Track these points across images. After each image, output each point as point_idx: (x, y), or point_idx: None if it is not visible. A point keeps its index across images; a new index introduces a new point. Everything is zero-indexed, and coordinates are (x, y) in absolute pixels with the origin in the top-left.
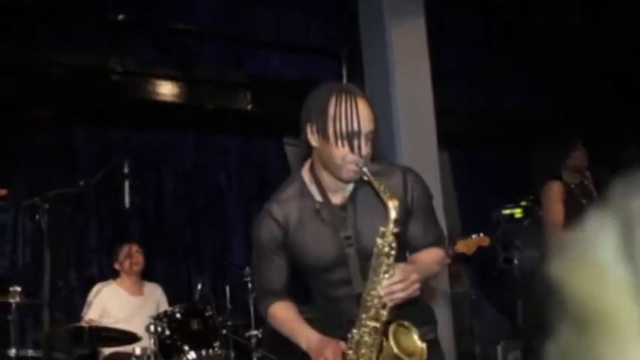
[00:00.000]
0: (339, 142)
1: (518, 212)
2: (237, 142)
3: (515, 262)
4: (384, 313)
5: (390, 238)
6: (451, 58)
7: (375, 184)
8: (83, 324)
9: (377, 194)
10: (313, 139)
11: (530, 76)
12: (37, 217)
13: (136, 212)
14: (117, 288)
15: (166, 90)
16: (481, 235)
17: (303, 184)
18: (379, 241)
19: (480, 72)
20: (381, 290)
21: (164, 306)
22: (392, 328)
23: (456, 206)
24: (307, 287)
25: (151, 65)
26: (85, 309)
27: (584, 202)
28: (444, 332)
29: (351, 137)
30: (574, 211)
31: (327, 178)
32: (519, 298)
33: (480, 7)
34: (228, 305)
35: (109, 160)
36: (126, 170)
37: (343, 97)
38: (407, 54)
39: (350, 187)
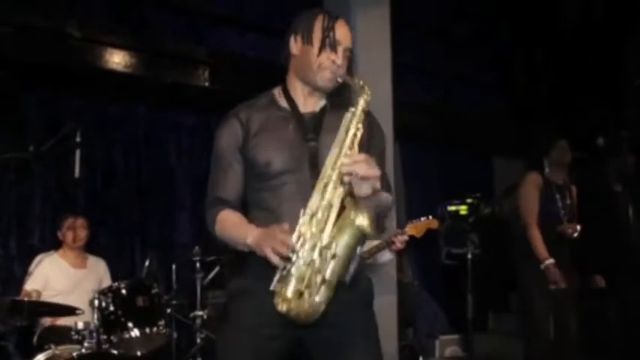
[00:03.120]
0: (321, 46)
1: (463, 209)
2: (192, 119)
3: (469, 256)
4: (341, 187)
5: (357, 120)
6: (409, 51)
7: (353, 82)
8: (23, 297)
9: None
10: (295, 47)
11: (487, 75)
12: None
13: (83, 183)
14: (59, 259)
15: (123, 60)
16: (430, 217)
17: (272, 95)
18: (348, 116)
19: (437, 67)
20: (343, 160)
21: (107, 281)
22: (346, 201)
23: (404, 199)
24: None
25: (109, 33)
26: (26, 279)
27: (557, 197)
28: (389, 322)
29: (332, 44)
30: (547, 207)
31: (299, 87)
32: (471, 292)
33: (442, 1)
34: (174, 284)
35: (60, 127)
36: (78, 139)
37: (329, 15)
38: (370, 42)
39: (321, 102)
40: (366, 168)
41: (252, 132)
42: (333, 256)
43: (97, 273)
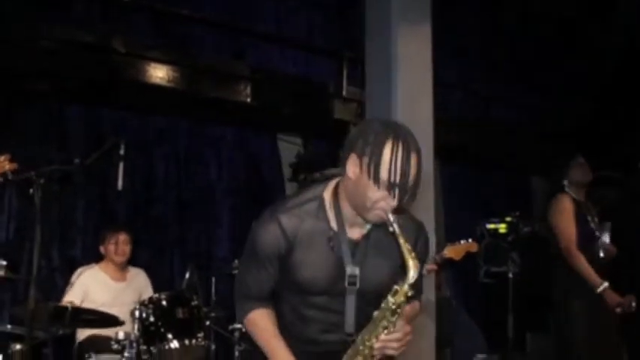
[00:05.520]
0: (384, 188)
1: (502, 227)
2: (232, 134)
3: (510, 275)
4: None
5: (402, 298)
6: (447, 69)
7: (401, 240)
8: (65, 304)
9: (399, 248)
10: (353, 172)
11: (525, 92)
12: (31, 191)
13: (125, 195)
14: (99, 272)
15: (166, 75)
16: (469, 240)
17: (322, 206)
18: (390, 299)
19: (477, 86)
20: (376, 343)
21: (147, 292)
22: None
23: (442, 217)
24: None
25: (153, 49)
26: (67, 290)
27: (589, 219)
28: (427, 343)
29: (396, 187)
30: (582, 227)
31: (348, 210)
32: (511, 312)
33: (481, 19)
34: (213, 297)
35: (103, 141)
36: (121, 152)
37: (401, 146)
38: (411, 61)
39: (368, 225)
40: (397, 347)
41: (296, 245)
42: None
43: (138, 285)
